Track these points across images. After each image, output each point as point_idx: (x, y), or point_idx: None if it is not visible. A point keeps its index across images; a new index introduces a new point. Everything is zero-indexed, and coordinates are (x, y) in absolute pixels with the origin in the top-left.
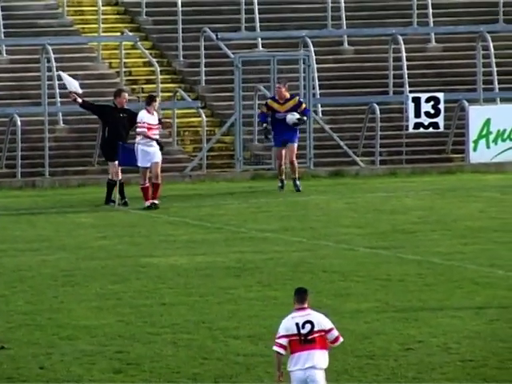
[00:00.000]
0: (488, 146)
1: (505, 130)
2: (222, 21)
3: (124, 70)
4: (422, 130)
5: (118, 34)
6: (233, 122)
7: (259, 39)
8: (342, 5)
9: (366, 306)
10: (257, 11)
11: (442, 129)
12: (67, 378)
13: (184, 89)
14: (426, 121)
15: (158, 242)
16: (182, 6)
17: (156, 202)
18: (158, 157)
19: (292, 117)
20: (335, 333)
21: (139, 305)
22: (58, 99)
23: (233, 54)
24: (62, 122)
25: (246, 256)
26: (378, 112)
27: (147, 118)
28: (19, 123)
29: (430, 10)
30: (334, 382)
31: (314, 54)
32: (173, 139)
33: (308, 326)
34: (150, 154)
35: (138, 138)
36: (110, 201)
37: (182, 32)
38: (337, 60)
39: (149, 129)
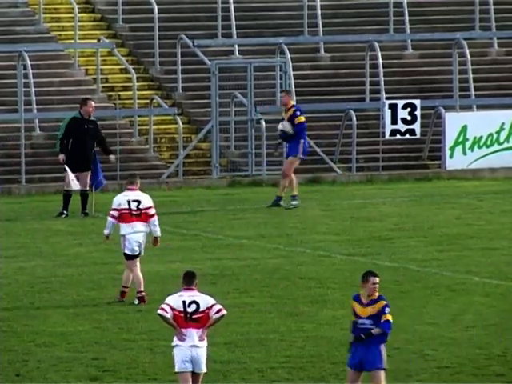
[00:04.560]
0: (464, 153)
1: (481, 137)
2: (198, 28)
3: (101, 76)
4: (398, 136)
5: (95, 40)
6: (209, 128)
7: (236, 46)
8: (319, 12)
9: (343, 312)
10: (233, 18)
11: (418, 135)
12: None
13: (161, 96)
14: (402, 127)
15: None
16: (159, 13)
17: None
18: None
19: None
20: (217, 306)
21: (116, 311)
22: (35, 106)
23: (209, 60)
24: (38, 129)
25: (223, 263)
26: (355, 119)
27: None
28: None
29: (407, 17)
30: None
31: (290, 61)
32: (149, 146)
33: (194, 306)
34: None
35: None
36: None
37: (159, 39)
38: (313, 67)
39: None
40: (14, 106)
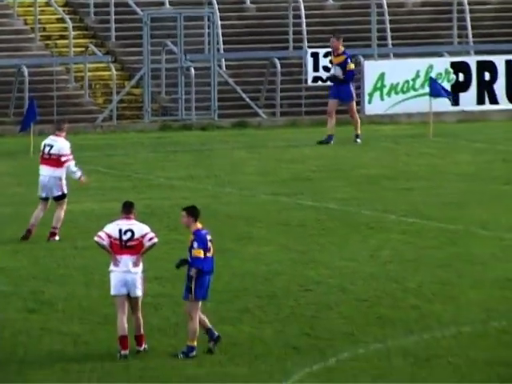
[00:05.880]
0: (382, 99)
1: (398, 84)
2: None
3: (38, 26)
4: (320, 83)
5: None
6: (141, 75)
7: None
8: None
9: (268, 249)
10: None
11: None
12: None
13: (95, 44)
14: (323, 75)
15: (71, 189)
16: None
17: None
18: None
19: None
20: (150, 235)
21: (53, 248)
22: None
23: (141, 11)
24: None
25: (154, 202)
26: (279, 66)
27: None
28: None
29: None
30: (235, 321)
31: (218, 12)
32: (85, 92)
33: (129, 234)
34: None
35: None
36: None
37: None
38: (240, 17)
39: None
40: None
